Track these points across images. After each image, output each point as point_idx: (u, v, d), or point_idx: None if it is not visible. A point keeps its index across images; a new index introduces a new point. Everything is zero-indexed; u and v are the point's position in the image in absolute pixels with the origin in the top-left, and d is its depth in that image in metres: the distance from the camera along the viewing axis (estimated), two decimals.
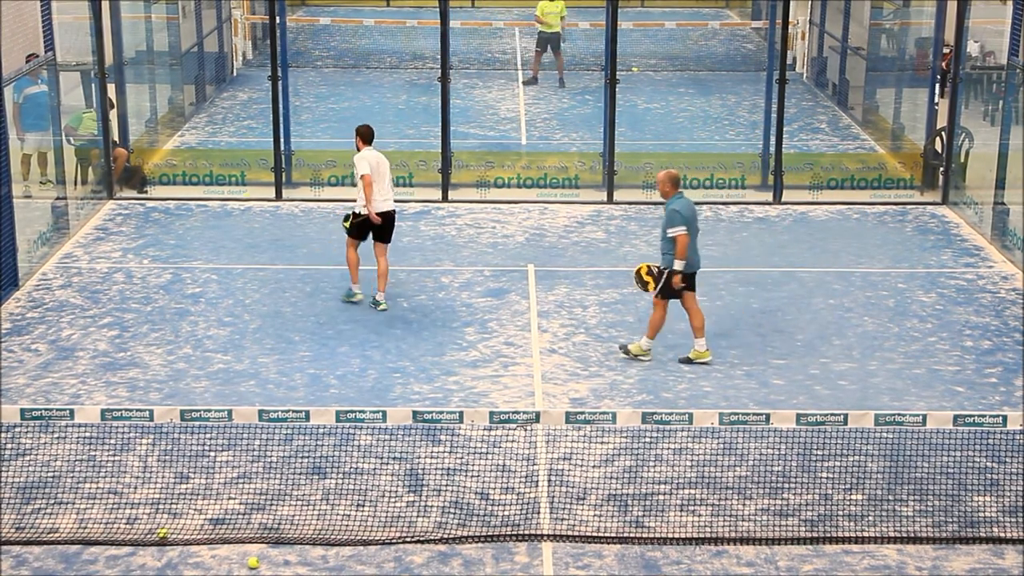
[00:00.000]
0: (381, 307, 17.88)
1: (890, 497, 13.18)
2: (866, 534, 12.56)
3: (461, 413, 12.55)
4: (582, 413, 12.67)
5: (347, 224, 17.97)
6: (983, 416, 12.60)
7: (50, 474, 13.42)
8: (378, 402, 15.12)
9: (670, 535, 12.52)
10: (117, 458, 13.74)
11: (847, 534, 12.56)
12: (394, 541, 12.39)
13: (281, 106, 23.11)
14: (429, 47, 35.50)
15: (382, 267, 17.94)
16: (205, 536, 12.46)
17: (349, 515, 12.75)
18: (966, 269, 19.84)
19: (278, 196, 22.90)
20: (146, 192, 23.18)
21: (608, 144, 23.26)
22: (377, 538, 12.40)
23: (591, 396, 15.48)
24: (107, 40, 22.70)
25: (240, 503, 12.97)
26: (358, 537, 12.42)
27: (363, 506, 12.93)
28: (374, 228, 17.86)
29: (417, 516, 12.76)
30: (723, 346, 16.84)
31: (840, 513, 12.92)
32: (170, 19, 28.61)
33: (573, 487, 13.35)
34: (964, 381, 15.94)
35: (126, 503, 12.94)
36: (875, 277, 19.37)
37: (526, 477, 13.52)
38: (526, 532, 12.53)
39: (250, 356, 16.46)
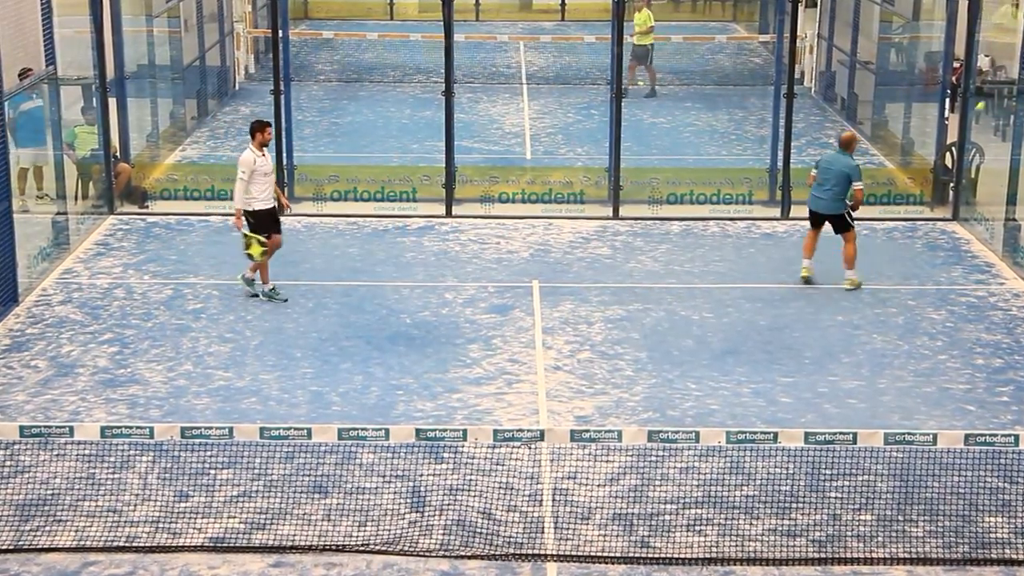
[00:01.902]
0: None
1: (900, 517, 13.07)
2: (876, 555, 12.46)
3: (465, 431, 12.50)
4: (587, 431, 12.59)
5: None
6: (995, 435, 12.58)
7: (49, 492, 13.34)
8: (381, 419, 15.03)
9: (677, 555, 12.41)
10: (117, 476, 13.66)
11: (856, 555, 12.46)
12: (395, 554, 12.30)
13: (283, 120, 23.07)
14: (433, 61, 35.39)
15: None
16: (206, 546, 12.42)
17: (351, 534, 12.65)
18: (977, 286, 19.74)
19: (280, 211, 22.65)
20: (147, 207, 23.13)
21: (614, 159, 23.18)
22: (379, 557, 12.32)
23: (596, 414, 15.39)
24: (108, 54, 22.69)
25: (241, 521, 12.89)
26: (361, 556, 12.33)
27: (365, 525, 12.82)
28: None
29: (420, 535, 12.64)
30: (730, 363, 16.77)
31: (849, 533, 12.81)
32: (172, 33, 28.55)
33: (578, 506, 13.26)
34: (975, 400, 15.84)
35: (126, 521, 12.86)
36: (884, 294, 19.27)
37: (530, 496, 13.42)
38: (530, 552, 12.44)
39: (251, 373, 16.39)
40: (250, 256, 18.71)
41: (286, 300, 18.75)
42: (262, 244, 18.65)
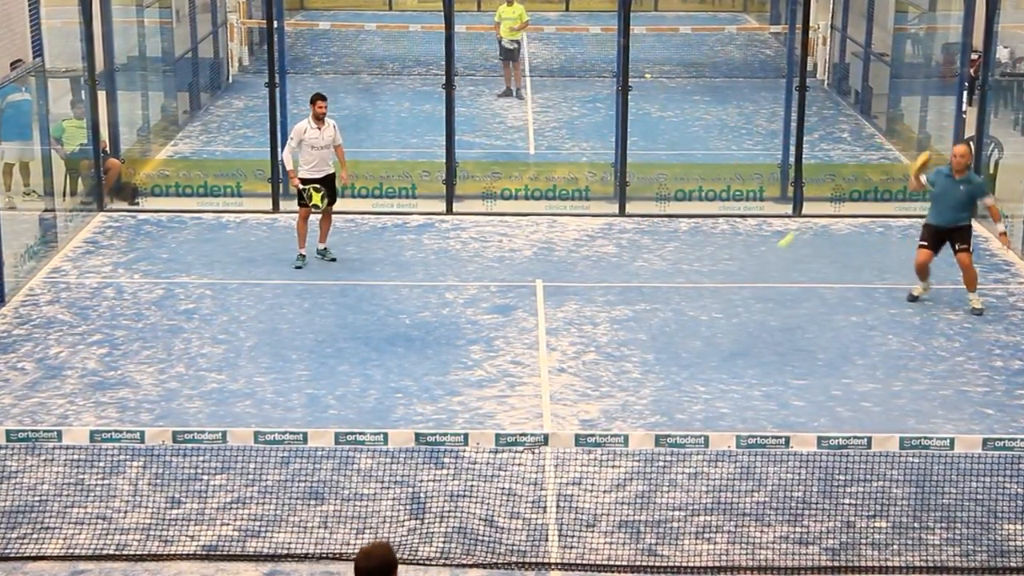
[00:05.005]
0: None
1: (916, 525, 12.94)
2: (891, 563, 12.33)
3: (466, 435, 12.41)
4: (592, 435, 12.59)
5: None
6: (1014, 440, 12.56)
7: (36, 498, 13.24)
8: (379, 423, 14.88)
9: (685, 564, 12.30)
10: (106, 482, 13.57)
11: (871, 563, 12.34)
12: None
13: (279, 114, 22.97)
14: (433, 52, 35.24)
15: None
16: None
17: (349, 542, 12.51)
18: (995, 285, 19.61)
19: (275, 208, 22.66)
20: (138, 204, 23.03)
21: (620, 154, 23.04)
22: None
23: (602, 418, 15.27)
24: (98, 46, 22.60)
25: (234, 529, 12.79)
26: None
27: (363, 533, 12.71)
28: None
29: (420, 543, 12.51)
30: (740, 365, 16.65)
31: (864, 541, 12.69)
32: (163, 24, 28.63)
33: (583, 513, 13.14)
34: (993, 403, 15.69)
35: (115, 528, 12.74)
36: (900, 293, 19.10)
37: (534, 502, 13.32)
38: (533, 560, 12.32)
39: (245, 375, 16.27)
40: (315, 206, 19.79)
41: (334, 260, 20.20)
42: (317, 191, 19.74)
